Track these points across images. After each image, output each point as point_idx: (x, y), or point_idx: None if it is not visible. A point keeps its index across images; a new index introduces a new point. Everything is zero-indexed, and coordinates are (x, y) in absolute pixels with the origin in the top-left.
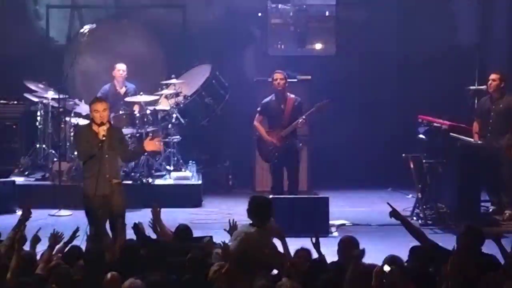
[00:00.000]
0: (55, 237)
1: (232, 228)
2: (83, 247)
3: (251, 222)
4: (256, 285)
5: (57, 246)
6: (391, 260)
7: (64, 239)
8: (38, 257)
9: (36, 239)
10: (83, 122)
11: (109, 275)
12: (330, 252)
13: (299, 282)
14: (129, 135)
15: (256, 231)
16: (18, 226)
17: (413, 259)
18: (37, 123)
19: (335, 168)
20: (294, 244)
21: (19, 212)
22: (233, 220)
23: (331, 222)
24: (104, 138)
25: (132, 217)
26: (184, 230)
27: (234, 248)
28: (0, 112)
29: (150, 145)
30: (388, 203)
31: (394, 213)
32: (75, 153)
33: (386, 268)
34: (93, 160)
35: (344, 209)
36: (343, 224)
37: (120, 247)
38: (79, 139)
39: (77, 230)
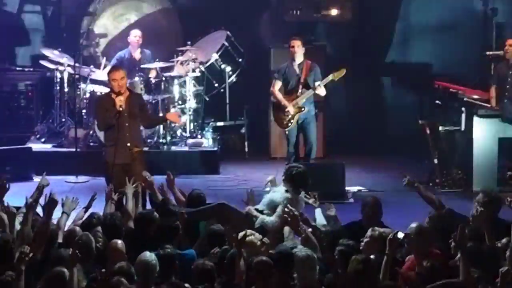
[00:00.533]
0: (70, 204)
1: (250, 196)
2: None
3: (286, 189)
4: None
5: (76, 212)
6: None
7: (82, 205)
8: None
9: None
10: (99, 88)
11: (113, 243)
12: (347, 218)
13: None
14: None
15: (293, 198)
16: (35, 194)
17: (431, 226)
18: (53, 90)
19: (351, 134)
20: (310, 212)
21: (36, 179)
22: (251, 190)
23: (347, 188)
24: (121, 108)
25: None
26: (197, 197)
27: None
28: (16, 79)
29: (172, 116)
30: (402, 173)
31: (409, 182)
32: (95, 122)
33: (400, 235)
34: (113, 129)
35: (360, 175)
36: (359, 190)
37: (135, 217)
38: (98, 108)
39: (94, 195)
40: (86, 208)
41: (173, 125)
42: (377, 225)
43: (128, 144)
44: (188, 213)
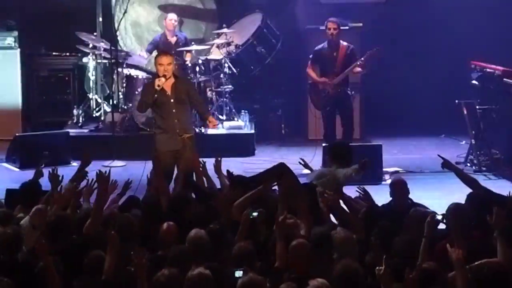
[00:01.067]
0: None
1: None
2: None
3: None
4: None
5: (111, 197)
6: (455, 208)
7: (118, 190)
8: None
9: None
10: (135, 72)
11: (165, 225)
12: (384, 200)
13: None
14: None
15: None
16: (76, 175)
17: (470, 206)
18: (89, 75)
19: (387, 115)
20: (347, 192)
21: (73, 164)
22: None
23: (384, 169)
24: (158, 87)
25: None
26: (238, 181)
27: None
28: (53, 64)
29: (212, 121)
30: (439, 155)
31: (445, 164)
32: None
33: (439, 217)
34: (160, 113)
35: (397, 156)
36: (397, 172)
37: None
38: (143, 91)
39: (129, 182)
40: (120, 195)
41: (209, 108)
42: (406, 205)
43: (177, 131)
44: (249, 177)
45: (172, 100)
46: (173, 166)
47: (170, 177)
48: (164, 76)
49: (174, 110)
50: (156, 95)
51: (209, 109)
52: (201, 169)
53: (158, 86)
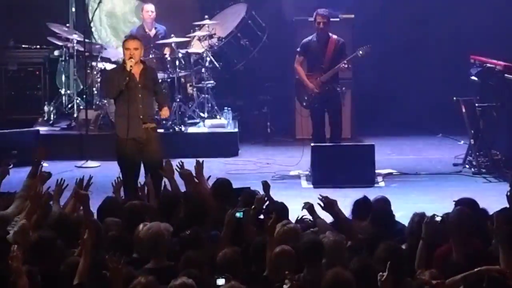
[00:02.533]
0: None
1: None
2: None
3: None
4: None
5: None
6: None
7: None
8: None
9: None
10: (110, 67)
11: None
12: None
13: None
14: (159, 80)
15: None
16: (32, 171)
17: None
18: (61, 69)
19: (380, 113)
20: (337, 196)
21: (44, 164)
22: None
23: (377, 171)
24: (131, 68)
25: None
26: (224, 185)
27: None
28: (22, 57)
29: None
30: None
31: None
32: (104, 93)
33: (437, 218)
34: (124, 98)
35: (391, 157)
36: (390, 173)
37: (159, 199)
38: (108, 75)
39: (90, 178)
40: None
41: (190, 105)
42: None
43: (141, 117)
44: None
45: (139, 85)
46: (138, 157)
47: (137, 169)
48: (131, 59)
49: (140, 95)
50: (127, 78)
51: (190, 106)
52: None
53: (131, 67)
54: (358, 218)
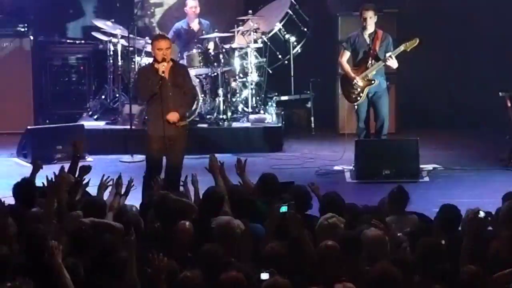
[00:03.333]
0: (120, 184)
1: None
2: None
3: None
4: None
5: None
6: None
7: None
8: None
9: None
10: None
11: (180, 223)
12: (421, 198)
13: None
14: (203, 75)
15: None
16: (71, 166)
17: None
18: (106, 64)
19: (425, 108)
20: (382, 191)
21: (89, 158)
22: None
23: (421, 166)
24: (163, 73)
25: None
26: (270, 180)
27: None
28: (67, 52)
29: (171, 116)
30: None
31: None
32: (136, 95)
33: (482, 214)
34: (156, 100)
35: (435, 152)
36: (434, 168)
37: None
38: (139, 76)
39: (131, 180)
40: (125, 195)
41: (234, 100)
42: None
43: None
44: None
45: (169, 84)
46: (163, 154)
47: (160, 166)
48: (164, 60)
49: (170, 94)
50: (160, 82)
51: (234, 100)
52: (218, 170)
53: (163, 72)
54: (394, 210)
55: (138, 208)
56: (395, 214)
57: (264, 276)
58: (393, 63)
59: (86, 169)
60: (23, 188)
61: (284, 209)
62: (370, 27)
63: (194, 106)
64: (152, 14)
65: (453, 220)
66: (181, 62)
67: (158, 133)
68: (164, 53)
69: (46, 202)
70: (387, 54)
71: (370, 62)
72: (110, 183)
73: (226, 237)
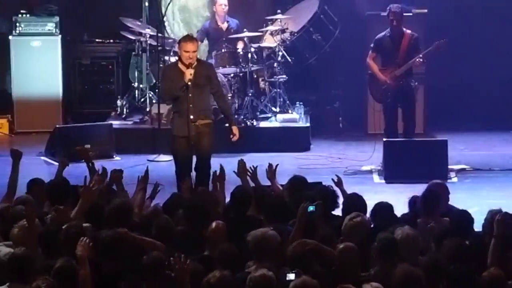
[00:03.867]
0: (145, 179)
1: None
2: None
3: None
4: None
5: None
6: None
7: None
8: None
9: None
10: None
11: (213, 224)
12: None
13: None
14: (231, 75)
15: None
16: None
17: None
18: (134, 63)
19: (453, 108)
20: (410, 191)
21: (117, 158)
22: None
23: (450, 166)
24: (189, 82)
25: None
26: (300, 182)
27: None
28: (96, 51)
29: (235, 130)
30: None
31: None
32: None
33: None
34: (179, 100)
35: (464, 152)
36: (463, 169)
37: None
38: (164, 77)
39: (157, 185)
40: (151, 198)
41: (261, 100)
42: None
43: (191, 117)
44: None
45: (189, 83)
46: (190, 153)
47: (189, 165)
48: (190, 64)
49: (190, 94)
50: (184, 88)
51: (261, 100)
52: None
53: (190, 80)
54: (427, 213)
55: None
56: (427, 216)
57: (291, 276)
58: (422, 63)
59: (119, 175)
60: (56, 188)
61: (311, 208)
62: (398, 27)
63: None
64: (180, 13)
65: (466, 227)
66: (209, 61)
67: (182, 133)
68: (191, 56)
69: (80, 204)
70: (416, 54)
71: (398, 62)
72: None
73: (262, 250)
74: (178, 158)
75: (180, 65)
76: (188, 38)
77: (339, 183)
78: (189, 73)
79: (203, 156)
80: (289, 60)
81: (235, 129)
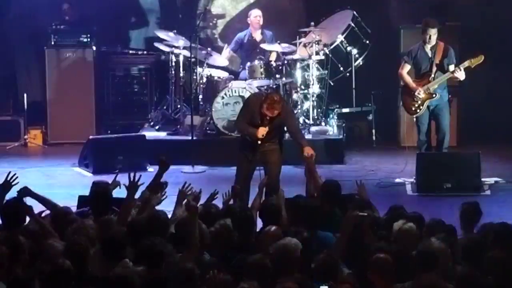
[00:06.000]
0: (183, 194)
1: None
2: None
3: None
4: None
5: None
6: None
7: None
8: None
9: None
10: (216, 73)
11: (272, 228)
12: (483, 212)
13: None
14: (265, 87)
15: None
16: (154, 182)
17: None
18: (168, 74)
19: (487, 121)
20: (443, 204)
21: (150, 169)
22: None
23: (483, 179)
24: (262, 138)
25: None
26: (333, 187)
27: None
28: (129, 62)
29: (308, 150)
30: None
31: None
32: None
33: None
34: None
35: (497, 165)
36: (496, 182)
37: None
38: (246, 108)
39: (215, 193)
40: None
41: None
42: None
43: (259, 143)
44: None
45: (266, 125)
46: (250, 172)
47: (247, 183)
48: (271, 118)
49: (263, 135)
50: (258, 142)
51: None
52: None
53: (261, 140)
54: (468, 226)
55: None
56: (465, 230)
57: None
58: (461, 75)
59: (162, 186)
60: (99, 198)
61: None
62: (433, 41)
63: None
64: (214, 25)
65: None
66: (242, 72)
67: (244, 150)
68: (270, 119)
69: (124, 208)
70: (451, 67)
71: (433, 75)
72: (189, 193)
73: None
74: (240, 171)
75: (264, 106)
76: (274, 101)
77: (361, 189)
78: (262, 132)
79: (272, 172)
80: (322, 72)
81: (307, 149)
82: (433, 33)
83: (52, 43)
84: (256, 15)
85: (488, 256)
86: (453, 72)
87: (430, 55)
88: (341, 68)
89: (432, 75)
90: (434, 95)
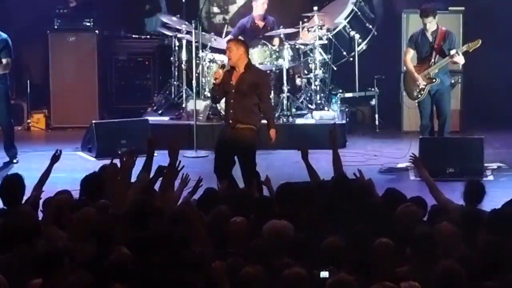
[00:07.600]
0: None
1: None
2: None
3: None
4: None
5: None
6: None
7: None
8: None
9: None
10: (219, 57)
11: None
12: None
13: None
14: (268, 71)
15: None
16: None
17: None
18: (171, 59)
19: (490, 106)
20: (445, 189)
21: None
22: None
23: (486, 164)
24: (216, 80)
25: (272, 158)
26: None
27: None
28: (133, 47)
29: (273, 133)
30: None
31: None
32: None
33: None
34: (225, 101)
35: (500, 150)
36: (499, 167)
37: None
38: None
39: (200, 180)
40: (192, 193)
41: (298, 96)
42: None
43: (230, 121)
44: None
45: (233, 90)
46: (230, 157)
47: (229, 168)
48: (232, 67)
49: (232, 101)
50: (215, 86)
51: (298, 97)
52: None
53: (216, 79)
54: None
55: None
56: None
57: (324, 274)
58: (460, 59)
59: (162, 170)
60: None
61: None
62: (432, 27)
63: None
64: (220, 10)
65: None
66: None
67: (222, 135)
68: (229, 55)
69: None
70: (452, 51)
71: (433, 60)
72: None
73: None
74: (217, 159)
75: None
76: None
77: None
78: (218, 74)
79: (243, 161)
80: (325, 57)
81: (272, 133)
82: (429, 21)
83: (55, 27)
84: (263, 2)
85: None
86: (452, 56)
87: (431, 40)
88: (344, 53)
89: (433, 60)
90: (434, 80)
